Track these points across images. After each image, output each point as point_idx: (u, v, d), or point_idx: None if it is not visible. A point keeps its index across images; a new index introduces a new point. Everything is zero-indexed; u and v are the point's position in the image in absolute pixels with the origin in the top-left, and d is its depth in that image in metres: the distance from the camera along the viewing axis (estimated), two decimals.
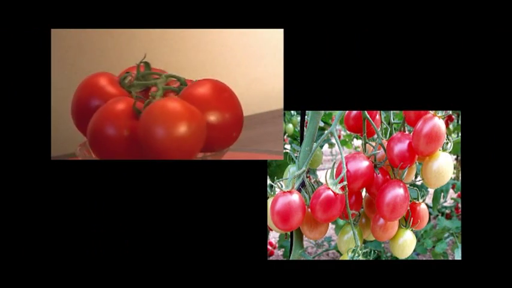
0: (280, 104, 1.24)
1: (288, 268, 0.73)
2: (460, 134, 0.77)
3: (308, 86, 0.75)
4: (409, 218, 0.63)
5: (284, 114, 1.23)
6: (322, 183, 0.59)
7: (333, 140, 1.55)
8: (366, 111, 0.62)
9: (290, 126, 1.30)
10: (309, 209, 0.59)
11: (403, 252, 0.63)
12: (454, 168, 1.81)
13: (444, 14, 0.75)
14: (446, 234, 1.42)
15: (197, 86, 0.75)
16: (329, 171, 0.58)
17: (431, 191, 1.60)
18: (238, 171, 0.74)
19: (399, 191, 0.59)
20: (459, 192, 1.73)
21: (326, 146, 1.86)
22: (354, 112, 0.64)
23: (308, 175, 0.62)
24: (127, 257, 0.73)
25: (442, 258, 1.41)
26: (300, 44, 0.75)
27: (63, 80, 1.01)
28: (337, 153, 2.63)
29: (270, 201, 0.60)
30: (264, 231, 0.74)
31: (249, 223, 0.74)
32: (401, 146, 0.59)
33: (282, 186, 0.59)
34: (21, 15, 0.74)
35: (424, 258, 1.56)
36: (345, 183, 0.58)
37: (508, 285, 0.73)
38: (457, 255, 1.36)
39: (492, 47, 0.74)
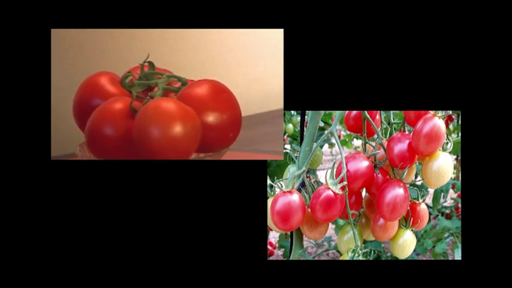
0: (280, 104, 1.24)
1: (288, 268, 0.73)
2: (460, 134, 0.77)
3: (308, 86, 0.75)
4: (409, 218, 0.62)
5: (284, 114, 1.23)
6: (322, 183, 0.59)
7: (333, 140, 1.55)
8: (366, 111, 0.62)
9: (290, 126, 1.30)
10: (309, 209, 0.59)
11: (403, 252, 0.63)
12: (454, 168, 1.81)
13: (444, 14, 0.75)
14: (446, 234, 1.42)
15: (195, 86, 0.75)
16: (329, 171, 0.58)
17: (431, 191, 1.60)
18: (238, 171, 0.74)
19: (399, 191, 0.58)
20: (459, 192, 1.73)
21: (326, 146, 1.86)
22: (354, 112, 0.64)
23: (308, 175, 0.62)
24: (127, 257, 0.73)
25: (442, 258, 1.41)
26: (300, 44, 0.75)
27: (63, 80, 1.01)
28: (337, 153, 2.63)
29: (270, 201, 0.60)
30: (264, 231, 0.74)
31: (249, 223, 0.74)
32: (401, 146, 0.59)
33: (282, 186, 0.59)
34: (21, 15, 0.74)
35: (424, 258, 1.56)
36: (345, 183, 0.58)
37: (508, 285, 0.73)
38: (457, 255, 1.36)
39: (492, 47, 0.74)
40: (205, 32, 1.14)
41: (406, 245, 0.63)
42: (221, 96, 0.75)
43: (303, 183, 0.61)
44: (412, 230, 0.63)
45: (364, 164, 0.59)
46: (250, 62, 1.20)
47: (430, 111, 0.59)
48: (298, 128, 1.25)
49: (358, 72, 0.75)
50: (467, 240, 0.74)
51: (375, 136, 0.62)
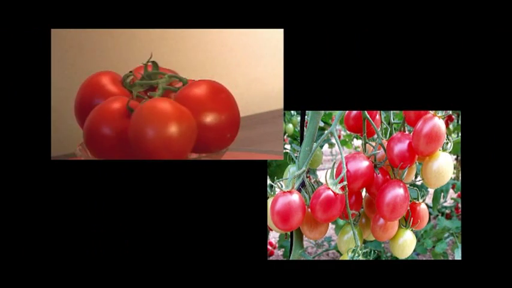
0: (280, 104, 1.24)
1: (288, 268, 0.73)
2: (460, 134, 0.77)
3: (308, 86, 0.75)
4: (409, 218, 0.62)
5: (284, 114, 1.23)
6: (322, 183, 0.59)
7: (333, 140, 1.55)
8: (366, 111, 0.62)
9: (290, 126, 1.30)
10: (309, 209, 0.59)
11: (403, 252, 0.63)
12: (454, 168, 1.81)
13: (444, 14, 0.75)
14: (446, 234, 1.42)
15: (193, 86, 0.75)
16: (329, 171, 0.58)
17: (431, 191, 1.60)
18: (238, 171, 0.74)
19: (399, 191, 0.58)
20: (459, 192, 1.73)
21: (326, 146, 1.86)
22: (354, 112, 0.64)
23: (308, 175, 0.62)
24: (127, 257, 0.73)
25: (442, 258, 1.41)
26: (300, 44, 0.75)
27: (63, 80, 1.01)
28: (337, 153, 2.63)
29: (270, 201, 0.60)
30: (264, 231, 0.74)
31: (249, 223, 0.74)
32: (401, 146, 0.59)
33: (282, 186, 0.59)
34: (21, 15, 0.74)
35: (424, 258, 1.56)
36: (345, 183, 0.58)
37: (508, 285, 0.73)
38: (457, 255, 1.36)
39: (492, 47, 0.74)
40: (205, 32, 1.14)
41: (406, 245, 0.63)
42: (219, 96, 0.75)
43: (303, 183, 0.61)
44: (412, 230, 0.63)
45: (364, 164, 0.59)
46: (250, 62, 1.20)
47: (430, 111, 0.59)
48: (298, 128, 1.25)
49: (358, 72, 0.75)
50: (467, 240, 0.74)
51: (375, 136, 0.62)
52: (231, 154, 0.88)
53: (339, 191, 0.57)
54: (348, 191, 0.58)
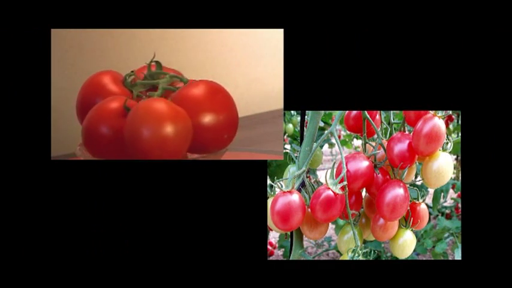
0: (280, 104, 1.24)
1: (288, 268, 0.73)
2: (460, 134, 0.77)
3: (308, 86, 0.75)
4: (409, 218, 0.62)
5: (284, 114, 1.23)
6: (322, 183, 0.59)
7: (333, 140, 1.55)
8: (366, 111, 0.62)
9: (290, 126, 1.30)
10: (309, 209, 0.59)
11: (403, 252, 0.63)
12: (454, 168, 1.81)
13: (444, 14, 0.75)
14: (446, 234, 1.42)
15: (191, 87, 0.75)
16: (329, 171, 0.58)
17: (431, 191, 1.60)
18: (238, 171, 0.74)
19: (399, 191, 0.58)
20: (459, 192, 1.73)
21: (326, 146, 1.86)
22: (354, 112, 0.64)
23: (308, 175, 0.62)
24: (127, 257, 0.73)
25: (442, 258, 1.41)
26: (300, 44, 0.75)
27: (63, 80, 1.01)
28: (337, 153, 2.63)
29: (270, 201, 0.60)
30: (264, 231, 0.74)
31: (249, 223, 0.74)
32: (401, 146, 0.59)
33: (282, 186, 0.59)
34: (21, 15, 0.74)
35: (424, 258, 1.56)
36: (345, 183, 0.58)
37: (508, 285, 0.73)
38: (457, 255, 1.36)
39: (492, 47, 0.74)
40: (205, 32, 1.14)
41: (406, 245, 0.63)
42: (216, 96, 0.75)
43: (303, 183, 0.61)
44: (412, 230, 0.63)
45: (364, 164, 0.59)
46: (250, 62, 1.20)
47: (430, 111, 0.59)
48: (298, 128, 1.25)
49: (358, 72, 0.75)
50: (467, 240, 0.74)
51: (375, 136, 0.62)
52: (231, 154, 0.88)
53: (339, 191, 0.57)
54: (348, 191, 0.58)
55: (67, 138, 1.00)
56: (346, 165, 0.58)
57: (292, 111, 1.29)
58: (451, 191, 1.77)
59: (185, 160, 0.74)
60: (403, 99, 0.75)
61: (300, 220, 0.58)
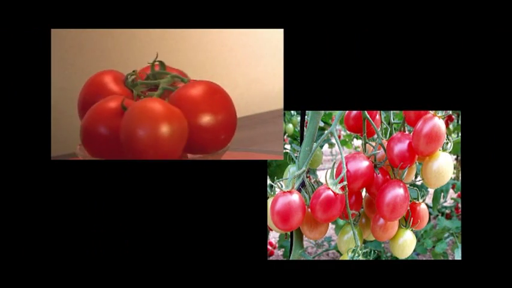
0: (280, 104, 1.24)
1: (288, 268, 0.73)
2: (460, 134, 0.77)
3: (308, 86, 0.75)
4: (409, 218, 0.62)
5: (284, 114, 1.23)
6: (322, 183, 0.59)
7: (333, 140, 1.55)
8: (366, 111, 0.62)
9: (290, 126, 1.30)
10: (309, 209, 0.59)
11: (403, 252, 0.63)
12: (454, 168, 1.81)
13: (444, 14, 0.75)
14: (446, 234, 1.42)
15: (189, 87, 0.75)
16: (329, 171, 0.58)
17: (431, 191, 1.60)
18: (238, 171, 0.74)
19: (399, 191, 0.58)
20: (459, 192, 1.73)
21: (326, 146, 1.86)
22: (354, 112, 0.64)
23: (308, 175, 0.62)
24: (127, 257, 0.73)
25: (442, 258, 1.41)
26: (300, 44, 0.75)
27: (63, 80, 1.01)
28: (337, 153, 2.63)
29: (270, 201, 0.60)
30: (264, 231, 0.74)
31: (249, 223, 0.74)
32: (401, 146, 0.59)
33: (282, 186, 0.59)
34: (21, 15, 0.74)
35: (424, 258, 1.56)
36: (345, 183, 0.58)
37: (508, 285, 0.73)
38: (457, 255, 1.36)
39: (492, 47, 0.74)
40: (205, 32, 1.14)
41: (406, 245, 0.63)
42: (214, 97, 0.75)
43: (303, 183, 0.61)
44: (412, 230, 0.63)
45: (364, 164, 0.59)
46: (250, 62, 1.20)
47: (430, 111, 0.59)
48: (298, 128, 1.25)
49: (358, 72, 0.75)
50: (467, 240, 0.74)
51: (375, 136, 0.62)
52: (231, 154, 0.88)
53: (339, 191, 0.57)
54: (348, 191, 0.58)
55: (67, 138, 1.00)
56: (346, 165, 0.58)
57: (292, 111, 1.29)
58: (451, 191, 1.77)
59: (185, 160, 0.74)
60: (403, 99, 0.75)
61: (300, 220, 0.58)
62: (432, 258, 1.44)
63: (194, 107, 0.74)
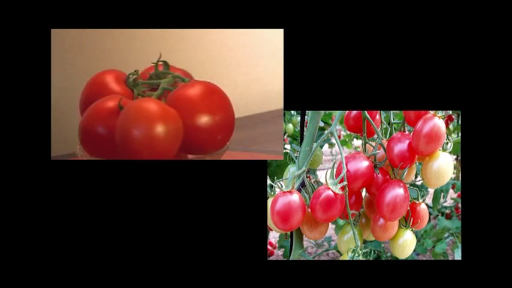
0: (280, 104, 1.24)
1: (288, 268, 0.73)
2: (460, 134, 0.77)
3: (308, 86, 0.75)
4: (409, 218, 0.62)
5: (284, 114, 1.23)
6: (322, 183, 0.59)
7: (333, 140, 1.55)
8: (366, 111, 0.62)
9: (290, 126, 1.30)
10: (309, 209, 0.59)
11: (403, 252, 0.63)
12: (454, 168, 1.81)
13: (444, 14, 0.75)
14: (446, 234, 1.42)
15: (186, 87, 0.75)
16: (329, 171, 0.58)
17: (431, 191, 1.60)
18: (238, 171, 0.74)
19: (399, 191, 0.58)
20: (459, 192, 1.73)
21: (326, 146, 1.86)
22: (354, 112, 0.64)
23: (308, 175, 0.62)
24: (127, 257, 0.73)
25: (442, 258, 1.41)
26: (300, 44, 0.75)
27: (63, 80, 1.01)
28: (337, 153, 2.63)
29: (270, 201, 0.60)
30: (264, 231, 0.74)
31: (249, 223, 0.74)
32: (401, 146, 0.59)
33: (282, 186, 0.59)
34: (21, 15, 0.74)
35: (424, 258, 1.56)
36: (345, 183, 0.58)
37: (508, 285, 0.73)
38: (457, 255, 1.36)
39: (492, 47, 0.74)
40: (205, 32, 1.14)
41: (406, 245, 0.63)
42: (211, 97, 0.74)
43: (303, 183, 0.61)
44: (412, 230, 0.63)
45: (364, 164, 0.59)
46: (250, 62, 1.20)
47: (430, 111, 0.59)
48: (298, 128, 1.25)
49: (358, 72, 0.75)
50: (467, 240, 0.74)
51: (375, 136, 0.62)
52: (231, 154, 0.88)
53: (339, 191, 0.57)
54: (348, 191, 0.58)
55: (67, 138, 1.00)
56: (346, 165, 0.58)
57: (292, 111, 1.29)
58: (451, 191, 1.77)
59: (185, 160, 0.74)
60: (403, 99, 0.75)
61: (300, 220, 0.58)
62: (432, 258, 1.44)
63: (191, 107, 0.73)
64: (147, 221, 0.73)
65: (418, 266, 0.73)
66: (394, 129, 0.64)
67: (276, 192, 0.59)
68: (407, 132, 0.62)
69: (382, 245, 1.42)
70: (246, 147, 0.98)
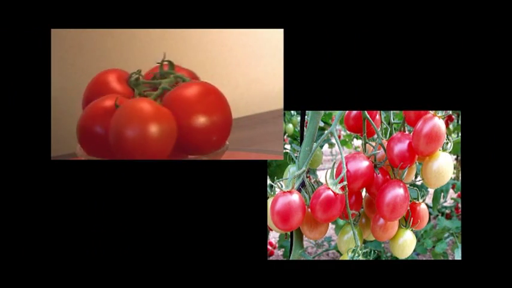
0: (280, 104, 1.24)
1: (288, 268, 0.73)
2: (460, 134, 0.77)
3: (308, 86, 0.75)
4: (409, 218, 0.62)
5: (284, 114, 1.23)
6: (322, 183, 0.59)
7: (333, 140, 1.55)
8: (366, 111, 0.62)
9: (290, 126, 1.30)
10: (309, 209, 0.59)
11: (403, 252, 0.63)
12: (454, 168, 1.81)
13: (444, 14, 0.75)
14: (446, 234, 1.42)
15: (183, 88, 0.75)
16: (329, 171, 0.58)
17: (431, 191, 1.60)
18: (238, 171, 0.74)
19: (399, 191, 0.58)
20: (459, 192, 1.73)
21: (326, 146, 1.86)
22: (354, 112, 0.64)
23: (308, 175, 0.62)
24: (127, 257, 0.73)
25: (442, 258, 1.41)
26: (300, 44, 0.75)
27: (63, 80, 1.01)
28: (337, 153, 2.63)
29: (270, 201, 0.60)
30: (264, 231, 0.74)
31: (249, 223, 0.74)
32: (401, 146, 0.59)
33: (282, 186, 0.59)
34: (21, 15, 0.74)
35: (424, 258, 1.56)
36: (345, 183, 0.58)
37: (508, 285, 0.73)
38: (457, 255, 1.36)
39: (492, 47, 0.74)
40: (205, 32, 1.14)
41: (406, 245, 0.63)
42: (208, 98, 0.74)
43: (303, 183, 0.61)
44: (412, 230, 0.63)
45: (364, 164, 0.59)
46: (250, 62, 1.20)
47: (430, 111, 0.59)
48: (298, 128, 1.25)
49: (358, 72, 0.75)
50: (467, 240, 0.74)
51: (375, 136, 0.62)
52: (231, 154, 0.88)
53: (339, 191, 0.57)
54: (348, 191, 0.58)
55: (67, 138, 1.00)
56: (346, 165, 0.58)
57: (292, 111, 1.29)
58: (451, 191, 1.77)
59: (185, 160, 0.74)
60: (403, 99, 0.75)
61: (300, 220, 0.58)
62: (432, 258, 1.44)
63: (188, 107, 0.73)
64: (147, 221, 0.73)
65: (418, 266, 0.73)
66: (394, 129, 0.64)
67: (276, 192, 0.59)
68: (407, 132, 0.62)
69: (382, 245, 1.42)
70: (246, 147, 0.98)
